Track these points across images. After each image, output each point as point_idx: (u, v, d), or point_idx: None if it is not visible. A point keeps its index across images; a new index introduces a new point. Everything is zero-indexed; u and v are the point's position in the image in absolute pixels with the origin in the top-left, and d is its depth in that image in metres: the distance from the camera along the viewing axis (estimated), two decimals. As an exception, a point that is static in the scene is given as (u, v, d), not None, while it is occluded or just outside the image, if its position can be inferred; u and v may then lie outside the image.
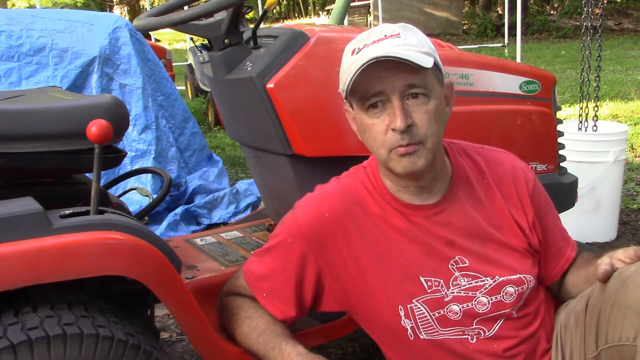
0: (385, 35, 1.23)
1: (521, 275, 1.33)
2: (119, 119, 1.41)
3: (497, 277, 1.32)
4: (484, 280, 1.32)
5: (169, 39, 18.23)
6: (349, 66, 1.23)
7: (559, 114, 2.01)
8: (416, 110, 1.22)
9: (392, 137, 1.22)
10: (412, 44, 1.22)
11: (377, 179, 1.37)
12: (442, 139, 1.30)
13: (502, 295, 1.32)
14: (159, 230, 3.27)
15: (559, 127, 1.98)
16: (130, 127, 3.60)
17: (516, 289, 1.32)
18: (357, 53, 1.23)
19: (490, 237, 1.34)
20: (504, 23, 11.85)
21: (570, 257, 1.45)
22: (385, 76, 1.20)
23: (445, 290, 1.31)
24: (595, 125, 3.17)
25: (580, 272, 1.42)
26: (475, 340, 1.32)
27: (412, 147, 1.22)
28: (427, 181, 1.32)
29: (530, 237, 1.37)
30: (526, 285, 1.34)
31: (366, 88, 1.22)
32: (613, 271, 1.23)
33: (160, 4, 5.49)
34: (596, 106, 3.19)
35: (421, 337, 1.33)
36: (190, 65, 7.89)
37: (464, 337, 1.32)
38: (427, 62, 1.19)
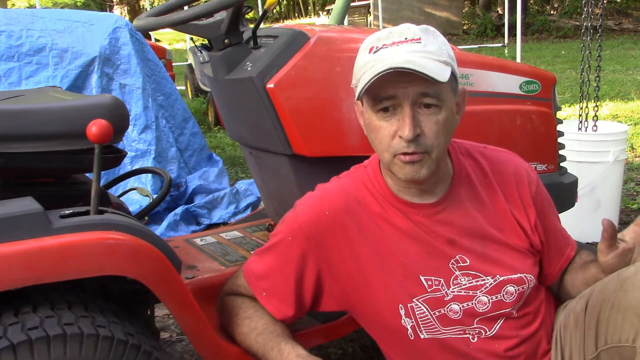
0: (406, 39, 1.21)
1: (522, 275, 1.33)
2: (119, 119, 1.41)
3: (497, 276, 1.32)
4: (484, 280, 1.32)
5: (169, 39, 18.23)
6: (365, 64, 1.22)
7: (559, 114, 2.01)
8: (426, 120, 1.21)
9: (398, 144, 1.21)
10: (431, 51, 1.20)
11: (379, 177, 1.37)
12: (448, 146, 1.30)
13: (503, 295, 1.32)
14: (159, 230, 3.27)
15: (559, 127, 1.98)
16: (130, 127, 3.60)
17: (517, 288, 1.32)
18: (374, 52, 1.21)
19: (491, 237, 1.34)
20: (504, 23, 11.85)
21: (569, 256, 1.46)
22: (399, 82, 1.18)
23: (446, 289, 1.31)
24: (595, 125, 3.17)
25: (578, 274, 1.42)
26: (476, 339, 1.32)
27: (418, 156, 1.22)
28: (428, 185, 1.32)
29: (532, 237, 1.37)
30: (527, 284, 1.34)
31: (379, 91, 1.20)
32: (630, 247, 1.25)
33: (160, 4, 5.49)
34: (596, 106, 3.19)
35: (422, 336, 1.33)
36: (190, 65, 7.89)
37: (465, 336, 1.32)
38: (444, 75, 1.17)
